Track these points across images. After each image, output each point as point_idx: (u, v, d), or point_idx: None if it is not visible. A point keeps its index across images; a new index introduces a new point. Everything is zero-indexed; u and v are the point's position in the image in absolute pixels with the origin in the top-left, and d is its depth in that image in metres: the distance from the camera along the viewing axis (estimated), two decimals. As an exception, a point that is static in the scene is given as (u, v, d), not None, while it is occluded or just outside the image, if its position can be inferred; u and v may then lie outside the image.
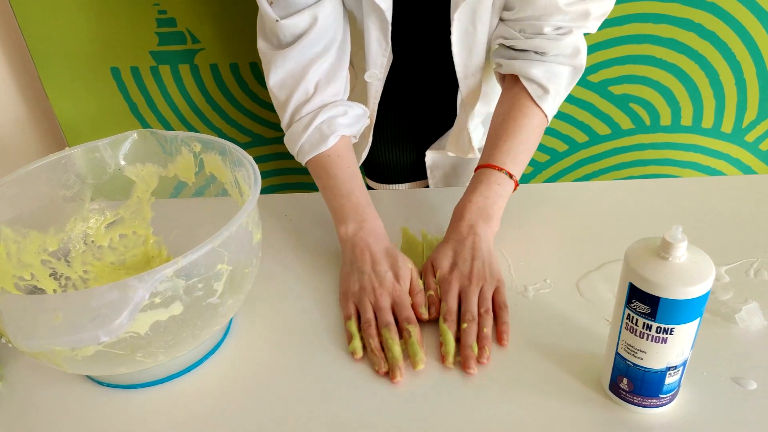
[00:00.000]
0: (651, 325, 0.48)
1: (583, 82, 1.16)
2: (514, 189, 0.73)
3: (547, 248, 0.74)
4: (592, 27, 0.74)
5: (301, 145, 0.75)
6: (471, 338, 0.60)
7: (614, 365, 0.53)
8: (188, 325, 0.54)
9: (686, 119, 1.19)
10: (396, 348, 0.60)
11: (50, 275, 0.67)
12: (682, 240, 0.46)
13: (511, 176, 0.72)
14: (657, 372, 0.50)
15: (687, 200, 0.81)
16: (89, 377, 0.61)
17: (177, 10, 1.10)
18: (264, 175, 1.31)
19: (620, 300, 0.50)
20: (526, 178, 1.30)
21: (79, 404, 0.58)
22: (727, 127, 1.19)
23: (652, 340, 0.49)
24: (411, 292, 0.67)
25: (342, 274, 0.70)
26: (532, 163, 1.27)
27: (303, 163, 0.77)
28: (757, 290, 0.65)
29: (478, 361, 0.59)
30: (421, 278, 0.69)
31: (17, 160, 1.17)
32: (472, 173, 0.75)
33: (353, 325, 0.64)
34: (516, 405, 0.55)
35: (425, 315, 0.65)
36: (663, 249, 0.47)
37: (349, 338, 0.63)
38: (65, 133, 1.25)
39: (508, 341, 0.61)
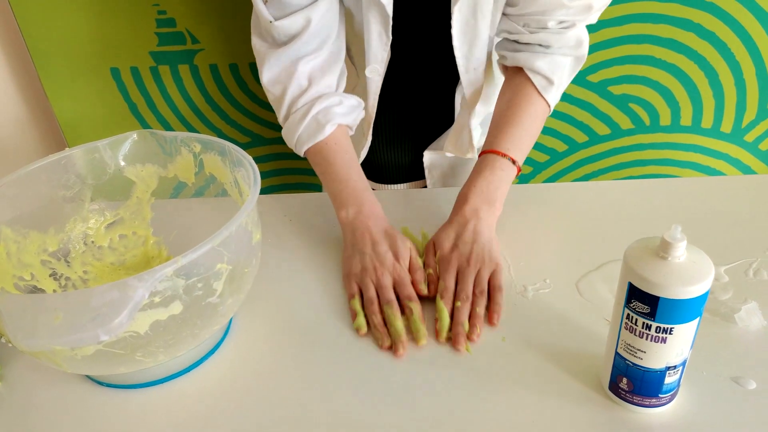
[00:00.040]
0: (650, 325, 0.48)
1: (583, 82, 1.16)
2: (517, 174, 0.75)
3: (547, 248, 0.74)
4: (594, 18, 0.75)
5: (298, 135, 0.76)
6: (463, 316, 0.63)
7: (614, 365, 0.53)
8: (188, 325, 0.54)
9: (686, 119, 1.19)
10: (398, 323, 0.62)
11: (50, 275, 0.67)
12: (682, 240, 0.46)
13: (514, 162, 0.74)
14: (656, 372, 0.50)
15: (686, 200, 0.82)
16: (89, 377, 0.61)
17: (177, 10, 1.10)
18: (263, 175, 1.31)
19: (620, 300, 0.50)
20: (525, 178, 1.30)
21: (79, 404, 0.58)
22: (726, 127, 1.19)
23: (651, 340, 0.49)
24: (410, 270, 0.69)
25: (344, 257, 0.72)
26: (532, 163, 1.27)
27: (301, 154, 0.78)
28: (756, 290, 0.65)
29: (469, 338, 0.61)
30: (422, 257, 0.71)
31: (17, 161, 1.17)
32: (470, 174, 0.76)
33: (357, 303, 0.66)
34: (516, 405, 0.55)
35: (425, 291, 0.67)
36: (662, 249, 0.47)
37: (353, 316, 0.65)
38: (65, 134, 1.25)
39: (498, 321, 0.63)
